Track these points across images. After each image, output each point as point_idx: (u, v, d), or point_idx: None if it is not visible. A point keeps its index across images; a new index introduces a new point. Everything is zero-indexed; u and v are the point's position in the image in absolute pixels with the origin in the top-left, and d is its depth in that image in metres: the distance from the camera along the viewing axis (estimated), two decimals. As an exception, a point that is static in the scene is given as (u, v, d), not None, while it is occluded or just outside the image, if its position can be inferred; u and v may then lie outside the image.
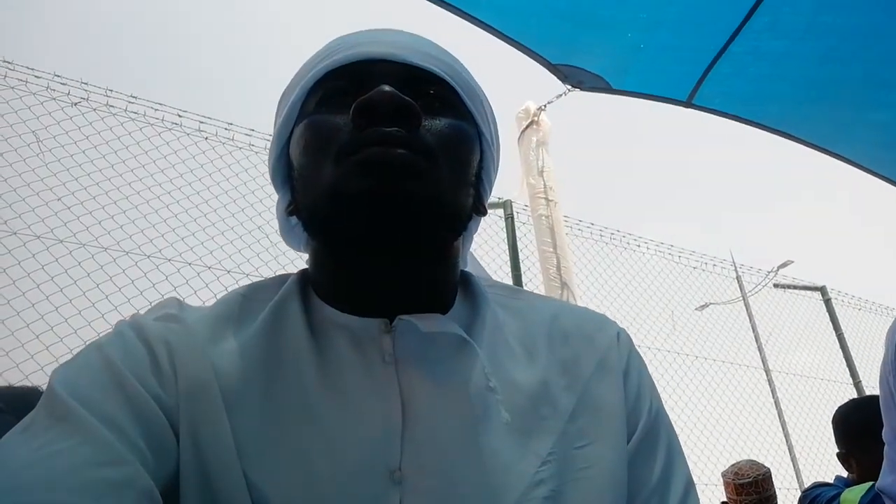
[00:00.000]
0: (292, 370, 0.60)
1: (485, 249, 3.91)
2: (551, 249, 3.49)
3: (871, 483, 1.40)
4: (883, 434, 1.11)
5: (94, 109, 3.14)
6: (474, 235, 0.78)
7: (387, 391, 0.60)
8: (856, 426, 1.89)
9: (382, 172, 0.57)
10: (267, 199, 3.41)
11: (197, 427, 0.55)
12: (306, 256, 0.72)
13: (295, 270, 0.72)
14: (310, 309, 0.65)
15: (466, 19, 2.02)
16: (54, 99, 3.05)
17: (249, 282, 0.71)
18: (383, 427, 0.58)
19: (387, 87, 0.58)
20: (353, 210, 0.58)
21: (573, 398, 0.64)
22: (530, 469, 0.59)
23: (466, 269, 0.74)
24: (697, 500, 0.66)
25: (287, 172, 0.69)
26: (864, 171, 2.87)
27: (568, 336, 0.70)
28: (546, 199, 3.60)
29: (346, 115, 0.60)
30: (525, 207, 3.85)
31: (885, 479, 1.07)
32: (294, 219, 0.69)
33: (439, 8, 1.97)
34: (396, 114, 0.58)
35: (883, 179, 2.91)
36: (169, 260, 3.07)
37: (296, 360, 0.61)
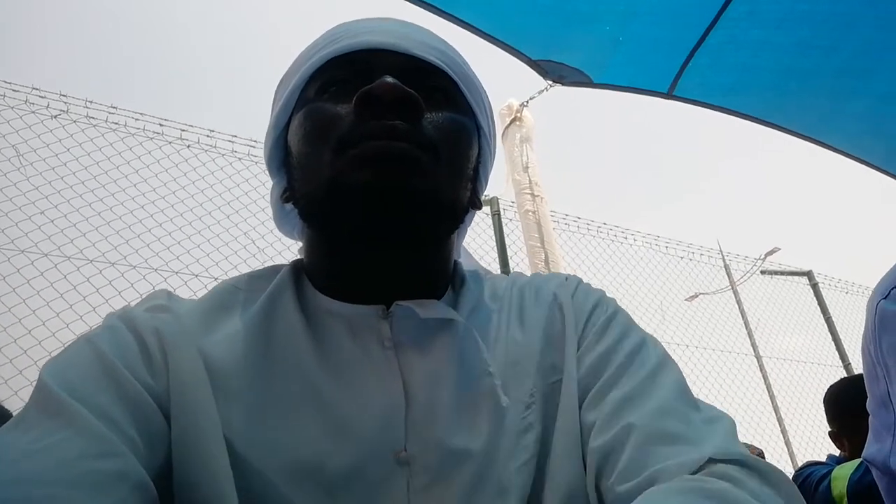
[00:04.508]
0: (290, 358, 0.60)
1: (472, 247, 3.92)
2: (539, 244, 3.50)
3: (861, 459, 1.42)
4: (867, 404, 1.12)
5: (75, 121, 3.12)
6: (468, 228, 0.79)
7: (388, 375, 0.60)
8: (846, 405, 1.91)
9: (383, 165, 0.57)
10: (252, 204, 3.40)
11: (188, 416, 0.55)
12: (295, 256, 0.72)
13: None
14: (304, 298, 0.66)
15: (445, 18, 2.02)
16: (34, 112, 3.03)
17: None
18: (387, 410, 0.59)
19: (389, 79, 0.58)
20: (353, 202, 0.58)
21: (540, 338, 0.66)
22: (517, 416, 0.61)
23: (459, 260, 0.75)
24: (653, 355, 0.64)
25: (283, 159, 0.69)
26: (848, 157, 2.89)
27: (524, 287, 0.72)
28: (532, 194, 3.61)
29: (348, 104, 0.60)
30: (512, 203, 3.86)
31: (870, 449, 1.09)
32: (289, 206, 0.69)
33: (417, 7, 1.96)
34: (399, 106, 0.58)
35: (867, 165, 2.93)
36: (155, 269, 3.05)
37: (294, 348, 0.61)
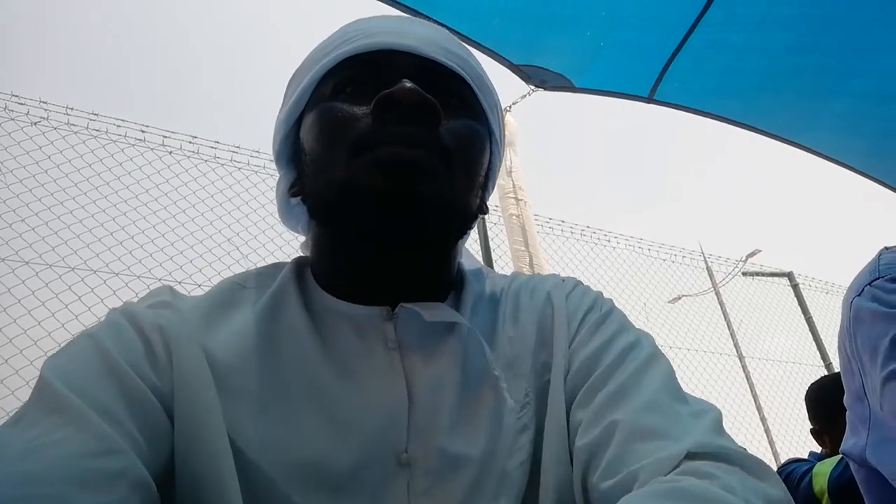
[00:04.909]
0: (295, 356, 0.60)
1: (458, 251, 3.91)
2: (523, 248, 3.51)
3: (841, 455, 1.44)
4: (844, 400, 1.14)
5: (55, 128, 3.09)
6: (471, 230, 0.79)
7: (392, 377, 0.61)
8: (826, 402, 1.93)
9: (399, 172, 0.57)
10: (235, 210, 3.38)
11: (191, 414, 0.54)
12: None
13: None
14: (308, 297, 0.66)
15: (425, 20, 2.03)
16: (13, 119, 3.00)
17: None
18: (390, 411, 0.59)
19: (409, 84, 0.58)
20: (366, 205, 0.58)
21: (533, 337, 0.67)
22: (513, 416, 0.61)
23: (461, 261, 0.75)
24: (643, 352, 0.63)
25: (292, 154, 0.69)
26: (827, 160, 2.92)
27: (521, 287, 0.73)
28: (516, 198, 3.62)
29: (365, 106, 0.60)
30: (496, 207, 3.87)
31: (847, 442, 1.10)
32: (294, 200, 0.69)
33: (397, 11, 1.97)
34: (417, 111, 0.58)
35: (845, 167, 2.97)
36: (138, 277, 3.02)
37: (298, 347, 0.61)
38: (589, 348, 0.64)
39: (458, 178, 0.61)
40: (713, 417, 0.57)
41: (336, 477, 0.55)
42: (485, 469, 0.58)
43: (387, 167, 0.57)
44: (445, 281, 0.69)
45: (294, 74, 0.70)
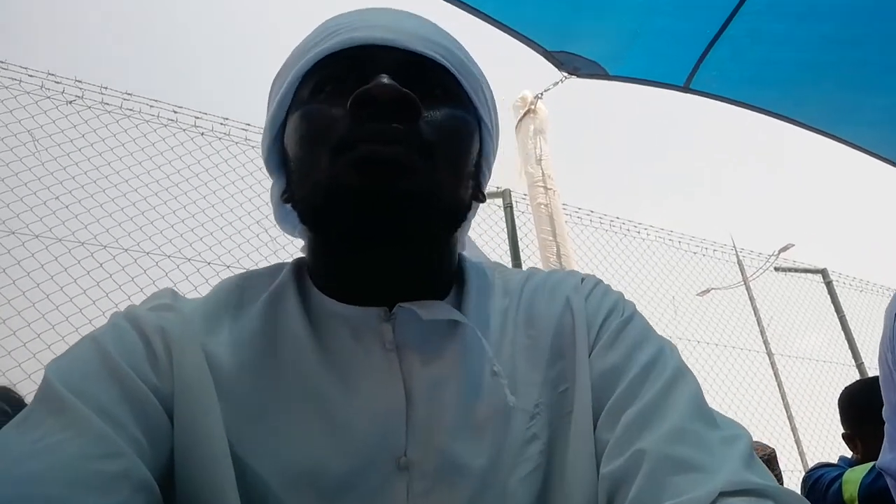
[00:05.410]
0: (293, 360, 0.60)
1: (485, 239, 3.90)
2: (551, 238, 3.49)
3: (873, 463, 1.41)
4: (883, 412, 1.10)
5: (90, 107, 3.13)
6: (473, 220, 0.76)
7: (389, 379, 0.60)
8: (861, 407, 1.89)
9: (376, 170, 0.56)
10: (265, 193, 3.39)
11: (190, 417, 0.55)
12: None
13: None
14: (306, 299, 0.65)
15: (459, 6, 2.01)
16: (49, 98, 3.05)
17: None
18: (388, 415, 0.58)
19: (386, 79, 0.57)
20: (347, 206, 0.57)
21: (549, 345, 0.65)
22: (522, 426, 0.60)
23: (464, 253, 0.73)
24: (668, 367, 0.61)
25: (281, 158, 0.68)
26: (868, 154, 2.84)
27: (538, 287, 0.70)
28: (545, 187, 3.60)
29: (343, 105, 0.58)
30: (524, 196, 3.85)
31: (885, 457, 1.07)
32: (289, 205, 0.68)
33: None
34: (396, 107, 0.56)
35: (887, 162, 2.89)
36: (168, 256, 3.06)
37: (296, 349, 0.61)
38: (610, 359, 0.62)
39: (441, 170, 0.59)
40: (744, 445, 0.55)
41: (333, 481, 0.55)
42: (488, 475, 0.57)
43: (364, 165, 0.56)
44: (443, 277, 0.67)
45: (276, 77, 0.68)
